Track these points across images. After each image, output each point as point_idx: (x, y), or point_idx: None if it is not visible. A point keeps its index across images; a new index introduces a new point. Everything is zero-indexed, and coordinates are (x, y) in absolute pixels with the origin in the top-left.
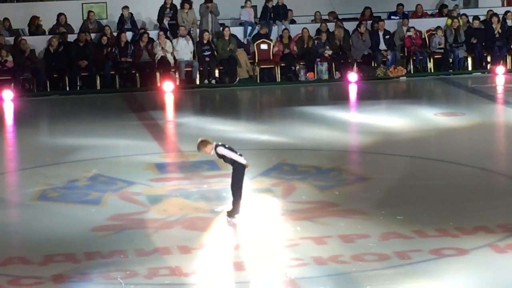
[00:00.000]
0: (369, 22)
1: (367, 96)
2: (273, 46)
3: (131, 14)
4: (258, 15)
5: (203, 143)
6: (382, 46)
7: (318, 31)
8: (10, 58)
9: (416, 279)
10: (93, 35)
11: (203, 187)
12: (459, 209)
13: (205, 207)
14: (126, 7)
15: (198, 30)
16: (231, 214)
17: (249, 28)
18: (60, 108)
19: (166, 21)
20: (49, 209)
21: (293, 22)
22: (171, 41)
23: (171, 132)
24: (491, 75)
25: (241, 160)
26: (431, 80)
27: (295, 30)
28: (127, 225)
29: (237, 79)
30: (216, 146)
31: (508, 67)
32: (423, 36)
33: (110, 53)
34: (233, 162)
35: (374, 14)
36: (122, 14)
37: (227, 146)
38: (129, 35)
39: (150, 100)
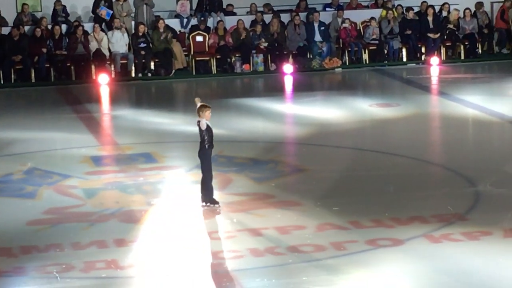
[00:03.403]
0: (305, 13)
1: (302, 88)
2: (209, 38)
3: (64, 6)
4: (194, 7)
5: (206, 108)
6: (318, 37)
7: (254, 23)
8: None
9: (352, 270)
10: (27, 28)
11: (139, 179)
12: (394, 199)
13: (141, 200)
14: (58, 1)
15: (133, 23)
16: (211, 201)
17: (185, 20)
18: None
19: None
20: None
21: (228, 13)
22: (106, 33)
23: (106, 125)
24: (425, 66)
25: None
26: (366, 72)
27: (230, 22)
28: (63, 218)
29: (173, 71)
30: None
31: (442, 58)
32: (358, 28)
33: (44, 46)
34: (202, 140)
35: (310, 6)
36: (54, 9)
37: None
38: (64, 27)
39: (85, 93)
